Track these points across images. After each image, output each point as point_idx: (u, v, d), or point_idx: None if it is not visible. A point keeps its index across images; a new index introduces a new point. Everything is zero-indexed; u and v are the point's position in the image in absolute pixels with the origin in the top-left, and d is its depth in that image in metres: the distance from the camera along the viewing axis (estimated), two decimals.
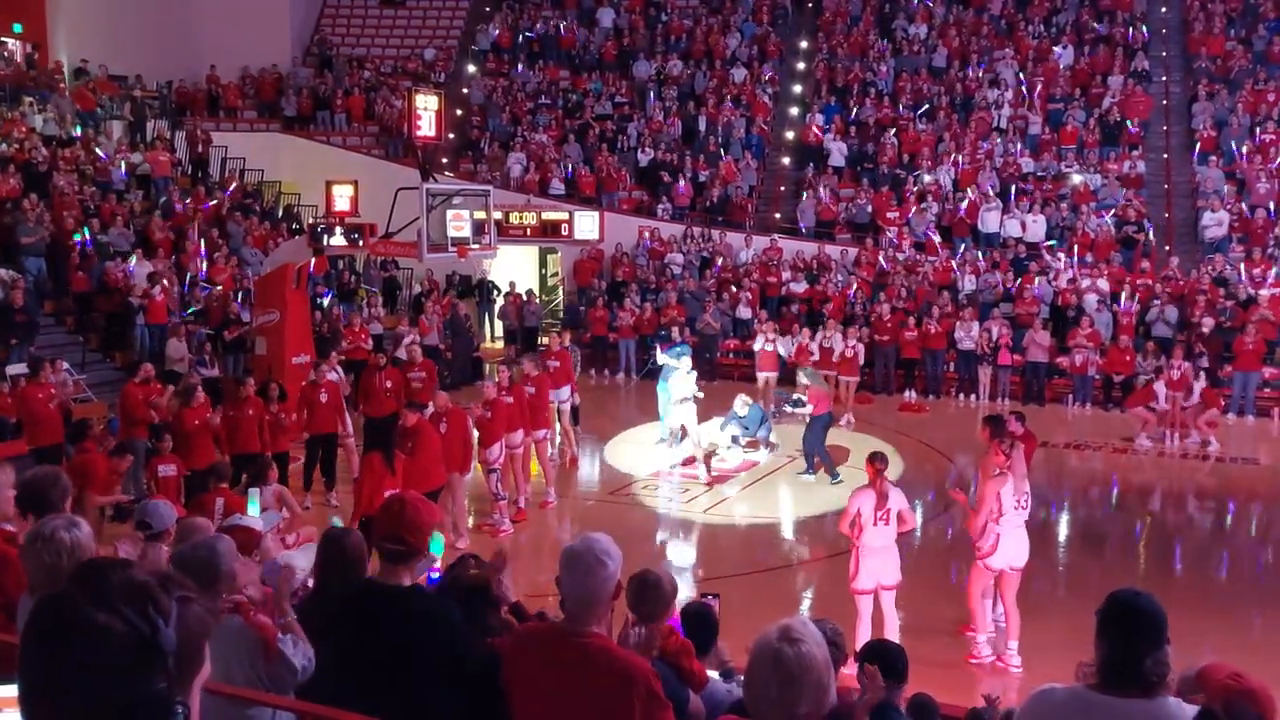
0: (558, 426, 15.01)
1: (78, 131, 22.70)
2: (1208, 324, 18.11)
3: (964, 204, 22.75)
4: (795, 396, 14.11)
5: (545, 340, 23.43)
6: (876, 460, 8.36)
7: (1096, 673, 3.00)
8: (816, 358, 17.72)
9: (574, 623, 3.18)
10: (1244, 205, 21.67)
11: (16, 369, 14.63)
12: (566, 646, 3.15)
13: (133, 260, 18.26)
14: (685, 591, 8.08)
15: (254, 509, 8.79)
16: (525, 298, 23.19)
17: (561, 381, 14.97)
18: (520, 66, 29.36)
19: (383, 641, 3.63)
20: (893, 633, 8.15)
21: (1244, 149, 22.70)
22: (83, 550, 3.67)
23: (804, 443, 14.03)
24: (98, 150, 22.06)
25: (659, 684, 3.14)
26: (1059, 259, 21.09)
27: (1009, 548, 8.43)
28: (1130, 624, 2.98)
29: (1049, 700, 3.10)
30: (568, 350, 15.88)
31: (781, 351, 17.86)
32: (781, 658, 2.58)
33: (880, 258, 22.16)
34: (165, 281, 17.83)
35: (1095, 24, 26.74)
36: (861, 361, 18.23)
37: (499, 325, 24.26)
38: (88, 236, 18.13)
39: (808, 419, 13.96)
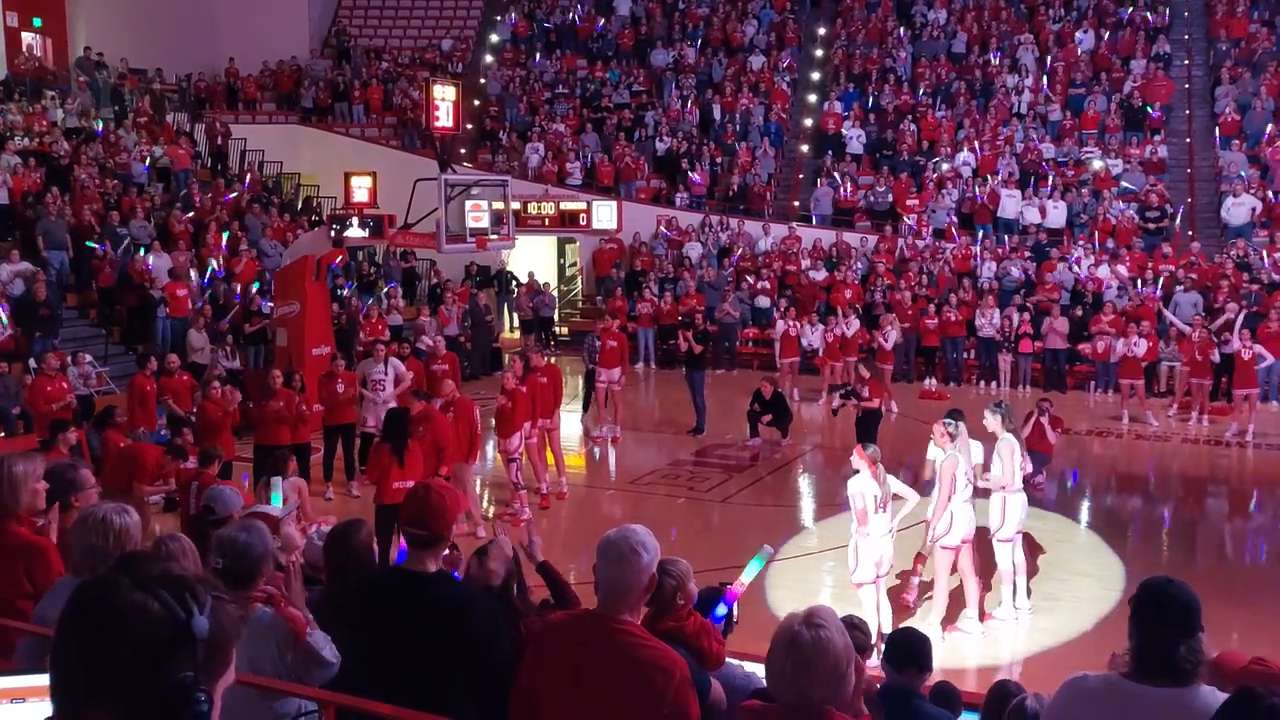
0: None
1: (99, 126, 22.82)
2: (1231, 309, 17.95)
3: (984, 191, 22.62)
4: (854, 389, 13.90)
5: (562, 330, 23.58)
6: (868, 448, 8.35)
7: (1129, 661, 2.97)
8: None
9: (607, 610, 3.19)
10: (1269, 190, 21.47)
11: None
12: (599, 634, 3.16)
13: (150, 257, 18.34)
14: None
15: (276, 500, 8.82)
16: (537, 287, 23.22)
17: (615, 362, 15.12)
18: (537, 56, 29.34)
19: (406, 627, 3.65)
20: (886, 622, 8.15)
21: (1268, 132, 22.47)
22: (130, 537, 3.73)
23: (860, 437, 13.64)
24: (121, 133, 22.19)
25: (689, 673, 3.15)
26: (1079, 246, 20.97)
27: (961, 524, 8.48)
28: (1162, 612, 2.96)
29: (1081, 688, 3.08)
30: (623, 334, 15.96)
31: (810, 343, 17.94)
32: (798, 641, 2.59)
33: (900, 245, 22.08)
34: (190, 275, 17.99)
35: (1117, 8, 26.51)
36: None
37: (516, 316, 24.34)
38: (106, 245, 18.19)
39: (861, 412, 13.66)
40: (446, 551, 4.11)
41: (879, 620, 8.18)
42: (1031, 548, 9.76)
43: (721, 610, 4.33)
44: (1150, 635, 2.94)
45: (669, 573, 4.08)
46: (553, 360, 14.43)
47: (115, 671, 1.51)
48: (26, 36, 25.59)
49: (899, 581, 9.08)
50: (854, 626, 3.65)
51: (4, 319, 14.99)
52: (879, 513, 8.17)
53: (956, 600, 8.87)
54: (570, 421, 16.22)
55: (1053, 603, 9.41)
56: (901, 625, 6.54)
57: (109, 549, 3.63)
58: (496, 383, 12.77)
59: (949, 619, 8.73)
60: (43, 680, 2.26)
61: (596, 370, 15.53)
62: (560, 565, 10.43)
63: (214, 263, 18.98)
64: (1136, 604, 3.01)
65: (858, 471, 8.25)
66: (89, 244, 18.13)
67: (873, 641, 5.88)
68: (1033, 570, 9.58)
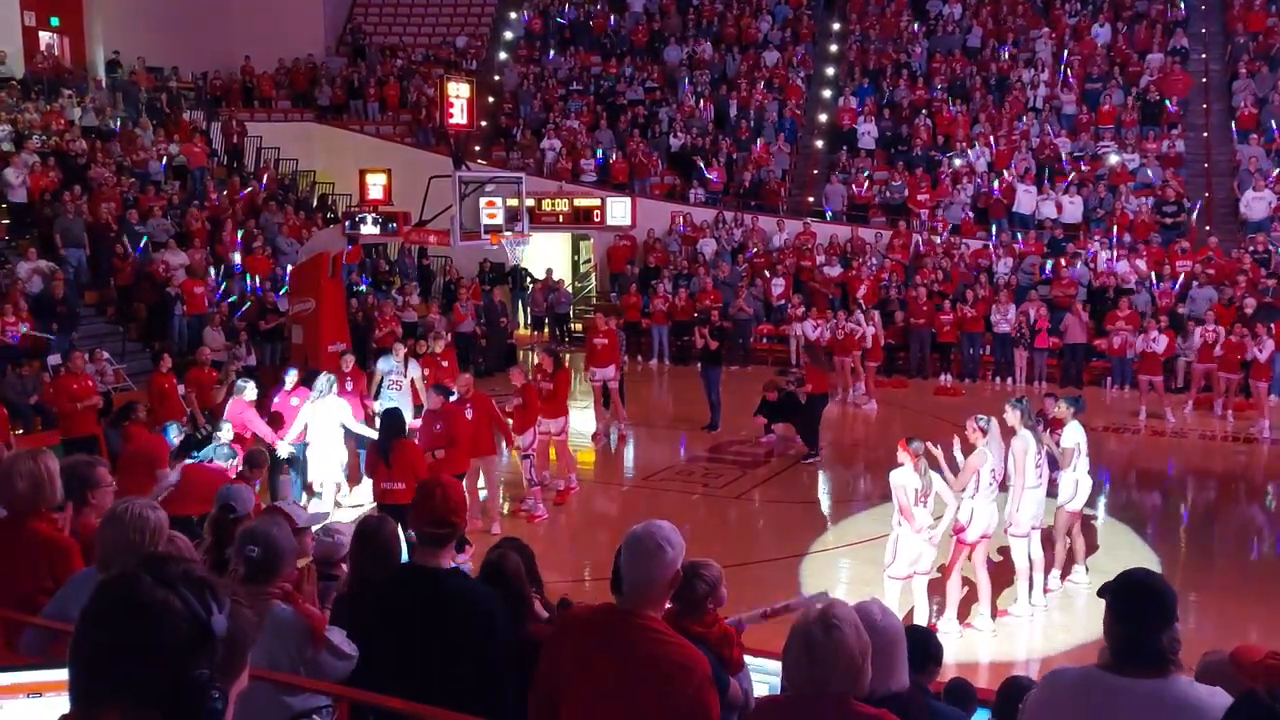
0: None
1: (116, 124, 22.94)
2: (1250, 304, 17.86)
3: (1000, 186, 22.54)
4: (795, 374, 14.25)
5: (576, 326, 23.57)
6: (912, 442, 8.33)
7: (1109, 654, 2.99)
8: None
9: (630, 606, 3.19)
10: None
11: (57, 360, 14.89)
12: (621, 629, 3.16)
13: (166, 254, 18.44)
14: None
15: (296, 491, 8.92)
16: (552, 284, 23.26)
17: (606, 360, 15.15)
18: (552, 53, 29.35)
19: (422, 622, 3.67)
20: (921, 621, 8.12)
21: None
22: (162, 532, 3.78)
23: (802, 425, 14.11)
24: (138, 132, 22.32)
25: (710, 671, 3.16)
26: (1096, 241, 20.87)
27: (981, 520, 8.51)
28: (1143, 603, 2.98)
29: (1061, 681, 3.13)
30: (615, 331, 15.98)
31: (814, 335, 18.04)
32: (812, 643, 2.59)
33: (915, 240, 22.01)
34: (208, 272, 18.12)
35: (1134, 1, 26.36)
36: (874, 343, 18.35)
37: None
38: (130, 245, 18.32)
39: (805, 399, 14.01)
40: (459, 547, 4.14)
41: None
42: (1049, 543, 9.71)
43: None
44: (1132, 627, 2.96)
45: (702, 577, 4.08)
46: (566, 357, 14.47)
47: (135, 666, 1.54)
48: (44, 36, 25.71)
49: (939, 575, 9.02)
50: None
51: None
52: (918, 505, 8.18)
53: (971, 597, 8.86)
54: (587, 419, 16.26)
55: (1069, 599, 9.39)
56: (911, 624, 6.54)
57: (146, 545, 3.68)
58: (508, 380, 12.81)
59: (963, 614, 8.72)
60: (59, 675, 2.29)
61: (590, 370, 15.59)
62: (575, 561, 10.48)
63: (235, 257, 19.09)
64: (1115, 597, 3.03)
65: (901, 464, 8.26)
66: (133, 236, 18.28)
67: None
68: (1050, 564, 9.55)
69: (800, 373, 14.55)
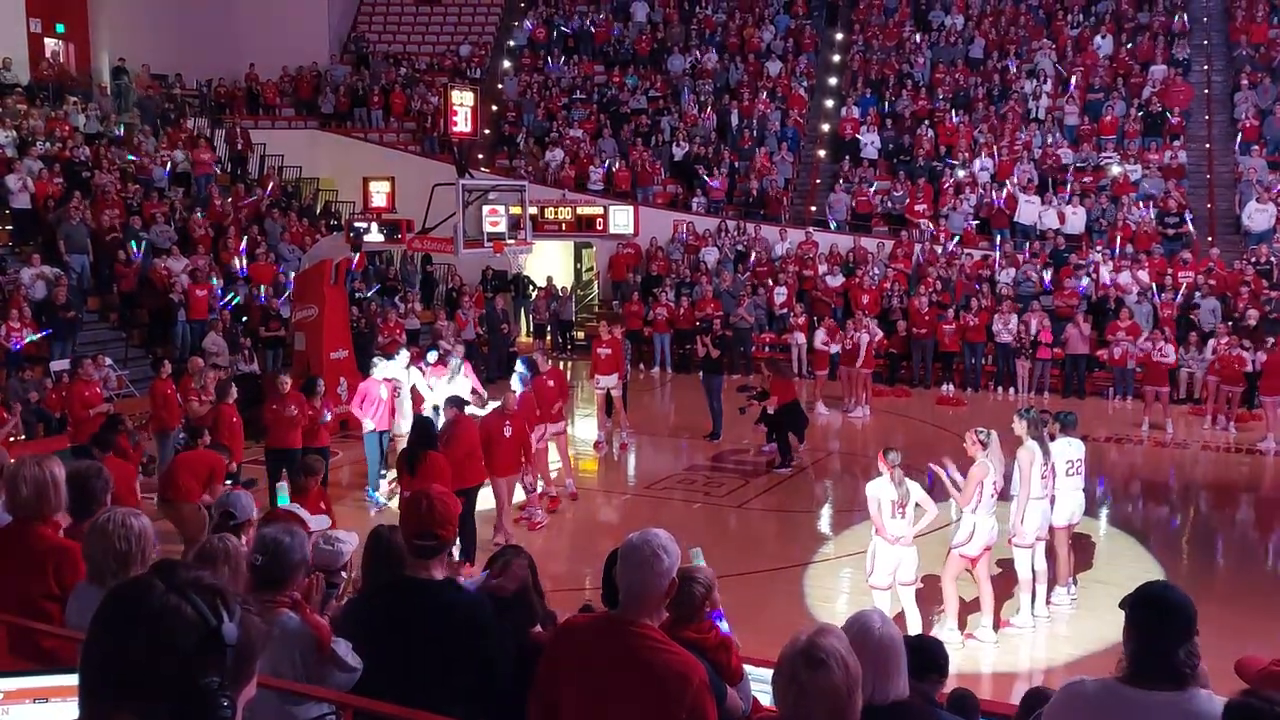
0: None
1: (120, 130, 23.00)
2: (1252, 316, 17.86)
3: (1002, 196, 22.56)
4: (759, 389, 14.27)
5: (578, 334, 23.61)
6: (889, 453, 8.35)
7: (1127, 666, 3.00)
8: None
9: (627, 614, 3.19)
10: None
11: (60, 365, 14.92)
12: (618, 637, 3.16)
13: (170, 261, 18.48)
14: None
15: (283, 501, 8.90)
16: (555, 291, 23.28)
17: (610, 369, 15.16)
18: (555, 62, 29.42)
19: (416, 633, 3.67)
20: (914, 630, 8.10)
21: None
22: (147, 539, 3.79)
23: (781, 434, 14.13)
24: (141, 138, 22.37)
25: (707, 677, 3.16)
26: (1098, 252, 20.88)
27: (983, 533, 8.49)
28: (1162, 617, 2.98)
29: (1079, 693, 3.12)
30: (619, 339, 16.00)
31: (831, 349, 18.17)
32: (797, 677, 2.57)
33: (917, 250, 22.02)
34: (213, 279, 18.15)
35: (1136, 13, 26.41)
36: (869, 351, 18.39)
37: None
38: (135, 250, 18.35)
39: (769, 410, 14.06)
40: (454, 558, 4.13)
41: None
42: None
43: (725, 626, 4.33)
44: (1149, 640, 2.97)
45: (696, 580, 4.07)
46: (560, 364, 14.44)
47: (145, 673, 1.54)
48: (50, 43, 25.79)
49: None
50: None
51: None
52: (896, 517, 8.17)
53: (970, 607, 8.86)
54: (588, 425, 16.28)
55: (1071, 611, 9.37)
56: (919, 634, 6.53)
57: (133, 552, 3.68)
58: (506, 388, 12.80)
59: (963, 625, 8.71)
60: (65, 680, 2.29)
61: (594, 378, 15.61)
62: (574, 570, 10.45)
63: (238, 263, 19.11)
64: (1133, 609, 3.03)
65: (880, 475, 8.26)
66: (137, 241, 18.30)
67: None
68: (1053, 580, 9.53)
69: (760, 385, 14.51)
